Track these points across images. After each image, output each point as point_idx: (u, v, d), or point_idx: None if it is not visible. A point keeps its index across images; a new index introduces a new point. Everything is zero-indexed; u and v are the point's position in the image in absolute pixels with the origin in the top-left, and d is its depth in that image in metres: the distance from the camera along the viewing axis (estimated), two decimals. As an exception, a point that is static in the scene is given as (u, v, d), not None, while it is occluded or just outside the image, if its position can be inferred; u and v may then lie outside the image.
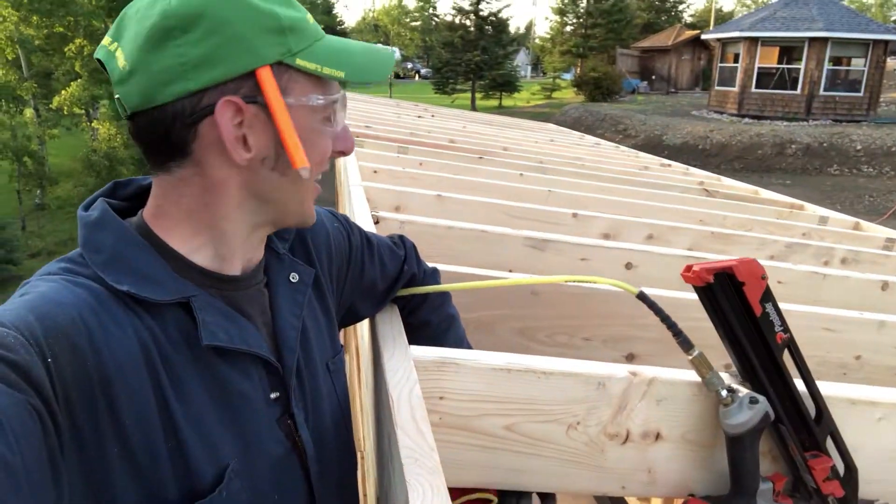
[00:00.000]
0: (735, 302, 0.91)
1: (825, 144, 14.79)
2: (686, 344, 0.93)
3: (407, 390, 0.79)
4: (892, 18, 39.34)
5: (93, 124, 18.36)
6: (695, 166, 4.99)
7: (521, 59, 44.84)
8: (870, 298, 1.85)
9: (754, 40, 18.98)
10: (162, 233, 0.74)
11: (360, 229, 1.03)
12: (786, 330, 0.93)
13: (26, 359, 0.56)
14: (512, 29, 33.58)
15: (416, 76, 49.50)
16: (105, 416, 0.62)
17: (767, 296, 0.92)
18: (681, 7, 44.45)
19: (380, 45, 0.81)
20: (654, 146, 16.11)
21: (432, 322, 1.09)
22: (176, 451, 0.66)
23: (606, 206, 2.53)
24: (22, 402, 0.53)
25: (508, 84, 30.16)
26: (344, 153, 0.80)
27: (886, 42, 18.36)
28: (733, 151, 15.56)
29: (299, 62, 0.71)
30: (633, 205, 2.63)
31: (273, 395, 0.78)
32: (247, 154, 0.70)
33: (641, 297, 0.96)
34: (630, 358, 1.40)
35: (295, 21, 0.71)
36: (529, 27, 56.51)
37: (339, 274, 0.96)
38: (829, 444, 0.96)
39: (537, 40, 48.55)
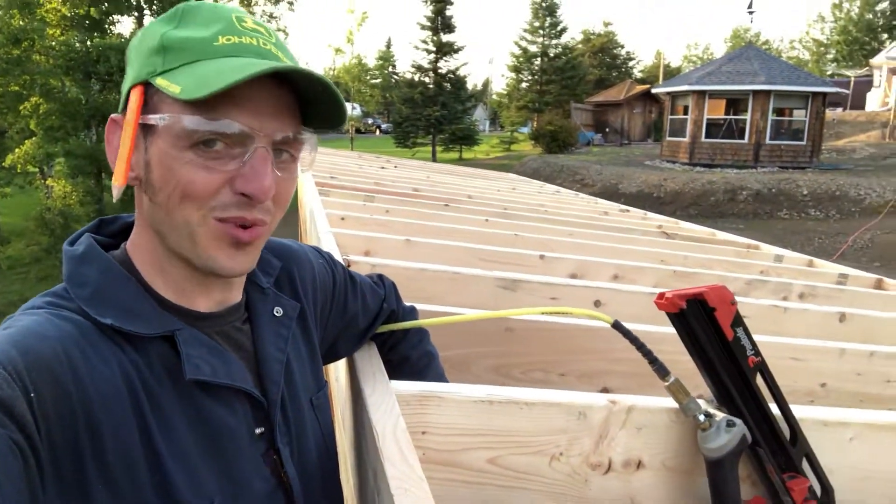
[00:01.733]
0: (707, 327, 0.94)
1: (774, 190, 15.37)
2: (662, 370, 0.95)
3: (391, 423, 0.78)
4: (828, 73, 41.64)
5: (47, 182, 18.05)
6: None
7: (480, 114, 45.87)
8: (829, 329, 1.91)
9: (702, 93, 19.83)
10: (138, 265, 0.75)
11: (343, 267, 1.04)
12: (757, 353, 0.96)
13: (9, 394, 0.55)
14: (469, 86, 34.42)
15: (377, 131, 50.12)
16: (88, 451, 0.61)
17: (738, 320, 0.94)
18: (630, 63, 46.45)
19: (266, 63, 0.69)
20: (610, 194, 16.51)
21: (411, 358, 1.08)
22: (160, 486, 0.65)
23: (572, 248, 2.58)
24: (3, 438, 0.52)
25: (468, 137, 30.81)
26: (247, 196, 0.69)
27: (824, 94, 19.40)
28: (687, 198, 16.05)
29: (158, 81, 0.68)
30: (597, 247, 2.68)
31: (258, 431, 0.77)
32: (130, 172, 0.71)
33: (616, 325, 0.97)
34: (605, 392, 1.41)
35: (177, 41, 0.69)
36: (486, 84, 58.05)
37: (324, 310, 0.96)
38: (805, 465, 0.98)
39: (494, 96, 49.87)
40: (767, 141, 19.25)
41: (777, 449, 0.97)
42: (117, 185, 0.70)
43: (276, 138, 0.71)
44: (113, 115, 0.74)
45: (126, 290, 0.71)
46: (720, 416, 0.94)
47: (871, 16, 40.97)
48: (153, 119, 0.68)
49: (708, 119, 20.00)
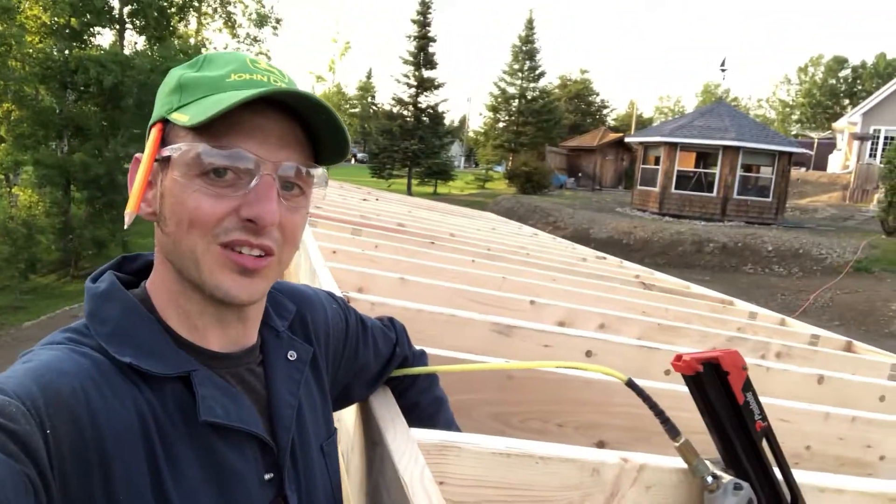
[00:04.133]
0: (720, 390, 0.97)
1: (740, 244, 15.77)
2: (673, 431, 0.97)
3: (419, 473, 0.79)
4: (793, 133, 43.22)
5: (12, 190, 17.62)
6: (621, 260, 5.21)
7: (456, 150, 46.41)
8: (809, 391, 1.96)
9: (674, 145, 20.39)
10: (156, 303, 0.76)
11: (355, 312, 1.04)
12: (764, 419, 0.99)
13: (26, 429, 0.56)
14: (447, 122, 34.82)
15: (353, 160, 50.25)
16: (99, 488, 0.61)
17: (748, 385, 0.97)
18: (605, 111, 47.61)
19: (268, 86, 0.73)
20: (581, 238, 16.75)
21: (421, 404, 1.09)
22: None
23: (558, 294, 2.61)
24: (18, 473, 0.53)
25: (444, 173, 31.04)
26: (252, 221, 0.70)
27: (790, 154, 20.11)
28: (656, 247, 16.35)
29: (173, 115, 0.72)
30: (581, 294, 2.73)
31: (267, 476, 0.76)
32: (147, 208, 0.75)
33: (630, 384, 1.00)
34: (601, 445, 1.42)
35: (192, 80, 0.74)
36: (463, 121, 58.90)
37: (336, 355, 0.97)
38: (805, 531, 1.01)
39: (471, 133, 50.51)
40: (735, 196, 19.82)
41: (779, 513, 0.99)
42: (129, 212, 0.72)
43: (283, 167, 0.73)
44: (136, 154, 0.77)
45: (145, 329, 0.72)
46: (727, 478, 0.96)
47: (833, 81, 42.81)
48: (167, 151, 0.72)
49: (678, 171, 20.54)
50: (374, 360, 1.03)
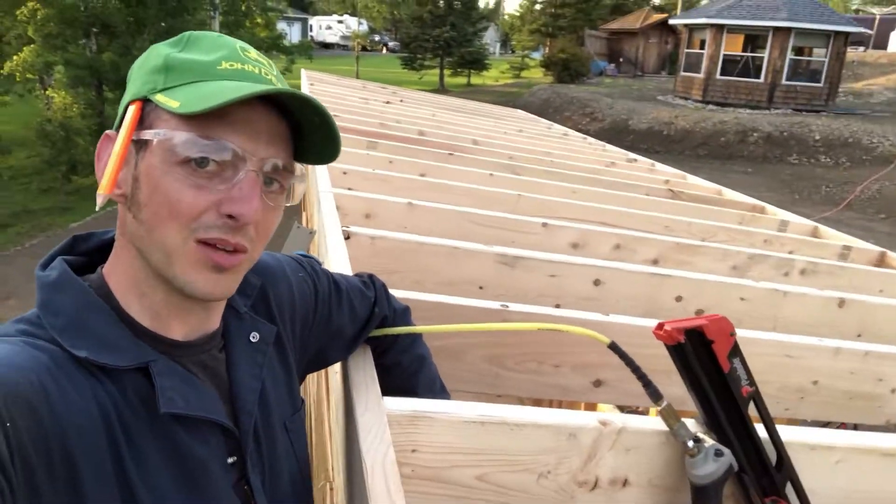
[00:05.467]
0: (704, 359, 0.93)
1: (785, 134, 15.11)
2: (655, 395, 0.95)
3: (381, 456, 0.79)
4: (853, 8, 40.15)
5: (47, 92, 17.69)
6: (659, 152, 5.09)
7: (490, 36, 44.54)
8: (828, 316, 1.91)
9: (720, 27, 19.18)
10: (114, 289, 0.74)
11: (328, 275, 1.02)
12: (751, 383, 0.95)
13: None
14: (481, 4, 33.20)
15: (384, 49, 48.79)
16: (62, 479, 0.61)
17: (735, 351, 0.93)
18: (649, -11, 44.68)
19: (267, 86, 0.70)
20: (619, 130, 16.26)
21: (402, 363, 1.08)
22: None
23: (575, 211, 2.55)
24: None
25: (477, 62, 29.96)
26: (233, 218, 0.68)
27: (847, 34, 18.76)
28: (697, 138, 15.79)
29: (158, 97, 0.69)
30: (601, 210, 2.65)
31: (230, 460, 0.77)
32: (117, 190, 0.71)
33: (613, 346, 0.97)
34: (598, 384, 1.42)
35: (180, 62, 0.71)
36: (498, 4, 56.07)
37: (304, 325, 0.95)
38: (790, 489, 0.99)
39: (506, 17, 48.27)
40: (784, 81, 18.76)
41: (762, 474, 0.98)
42: (102, 194, 0.69)
43: (268, 165, 0.71)
44: (107, 132, 0.74)
45: (101, 320, 0.70)
46: (709, 443, 0.94)
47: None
48: (148, 134, 0.68)
49: (724, 55, 19.42)
50: (350, 323, 1.01)
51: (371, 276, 1.10)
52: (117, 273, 0.74)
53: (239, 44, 0.75)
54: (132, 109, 0.70)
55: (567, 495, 0.97)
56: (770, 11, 18.64)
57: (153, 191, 0.68)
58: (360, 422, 0.85)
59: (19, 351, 0.64)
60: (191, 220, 0.68)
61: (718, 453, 0.93)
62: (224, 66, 0.71)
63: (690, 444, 0.94)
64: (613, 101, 19.17)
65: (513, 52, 42.84)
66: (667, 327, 0.90)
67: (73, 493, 0.62)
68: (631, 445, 0.97)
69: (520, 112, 7.47)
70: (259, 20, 20.21)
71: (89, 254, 0.79)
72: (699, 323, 0.91)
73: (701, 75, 20.00)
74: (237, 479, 0.77)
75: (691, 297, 1.86)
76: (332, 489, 1.40)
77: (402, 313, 1.11)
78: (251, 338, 0.83)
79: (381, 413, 0.88)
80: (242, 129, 0.69)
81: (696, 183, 4.11)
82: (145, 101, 0.70)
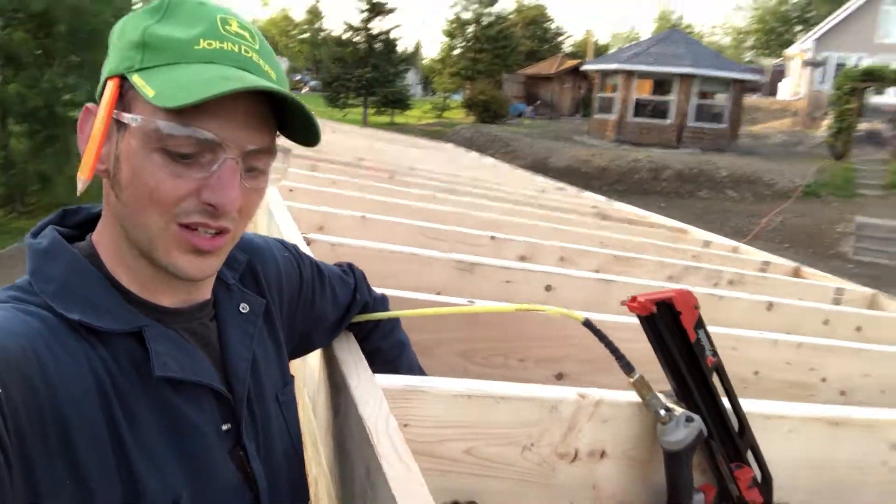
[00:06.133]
0: (673, 329, 1.00)
1: (695, 171, 16.03)
2: (628, 367, 1.00)
3: (383, 420, 0.80)
4: (746, 59, 43.39)
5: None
6: (579, 188, 5.27)
7: (412, 79, 45.34)
8: (759, 317, 2.05)
9: (631, 73, 20.30)
10: (103, 257, 0.73)
11: (310, 260, 1.03)
12: (715, 354, 1.03)
13: None
14: (400, 49, 33.73)
15: (306, 88, 48.69)
16: (57, 446, 0.60)
17: (700, 323, 1.01)
18: (560, 38, 46.90)
19: (244, 77, 0.68)
20: (540, 167, 16.75)
21: (383, 349, 1.10)
22: (128, 481, 0.65)
23: (518, 228, 2.63)
24: None
25: (400, 101, 30.34)
26: (212, 206, 0.68)
27: (743, 81, 20.27)
28: (613, 175, 16.52)
29: (134, 78, 0.67)
30: (541, 228, 2.75)
31: (224, 427, 0.77)
32: (100, 165, 0.70)
33: (587, 324, 1.02)
34: (560, 377, 1.47)
35: (158, 39, 0.68)
36: (417, 48, 57.26)
37: (290, 305, 0.96)
38: (750, 455, 1.07)
39: (426, 61, 49.36)
40: (690, 123, 20.00)
41: (727, 440, 1.05)
42: (83, 178, 0.68)
43: (247, 150, 0.70)
44: (88, 104, 0.73)
45: (92, 285, 0.70)
46: (679, 411, 1.00)
47: (785, 7, 42.80)
48: (126, 118, 0.67)
49: (637, 99, 20.54)
50: (333, 309, 1.03)
51: (350, 265, 1.12)
52: (106, 243, 0.74)
53: (220, 14, 0.71)
54: (110, 86, 0.69)
55: (549, 467, 1.00)
56: (675, 59, 19.92)
57: (134, 175, 0.67)
58: (356, 394, 0.86)
59: (11, 317, 0.63)
60: (171, 206, 0.68)
61: (689, 419, 0.99)
62: (202, 44, 0.68)
63: (662, 412, 1.00)
64: (533, 141, 19.84)
65: (433, 94, 43.73)
66: (640, 299, 0.96)
67: (68, 462, 0.61)
68: (608, 417, 1.02)
69: (449, 145, 7.63)
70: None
71: (78, 226, 0.78)
72: (668, 295, 0.97)
73: (614, 117, 21.02)
74: (232, 446, 0.77)
75: (635, 302, 1.96)
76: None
77: (381, 301, 1.13)
78: (241, 309, 0.84)
79: (375, 387, 0.89)
80: (220, 116, 0.67)
81: (622, 207, 4.31)
82: (123, 78, 0.69)
